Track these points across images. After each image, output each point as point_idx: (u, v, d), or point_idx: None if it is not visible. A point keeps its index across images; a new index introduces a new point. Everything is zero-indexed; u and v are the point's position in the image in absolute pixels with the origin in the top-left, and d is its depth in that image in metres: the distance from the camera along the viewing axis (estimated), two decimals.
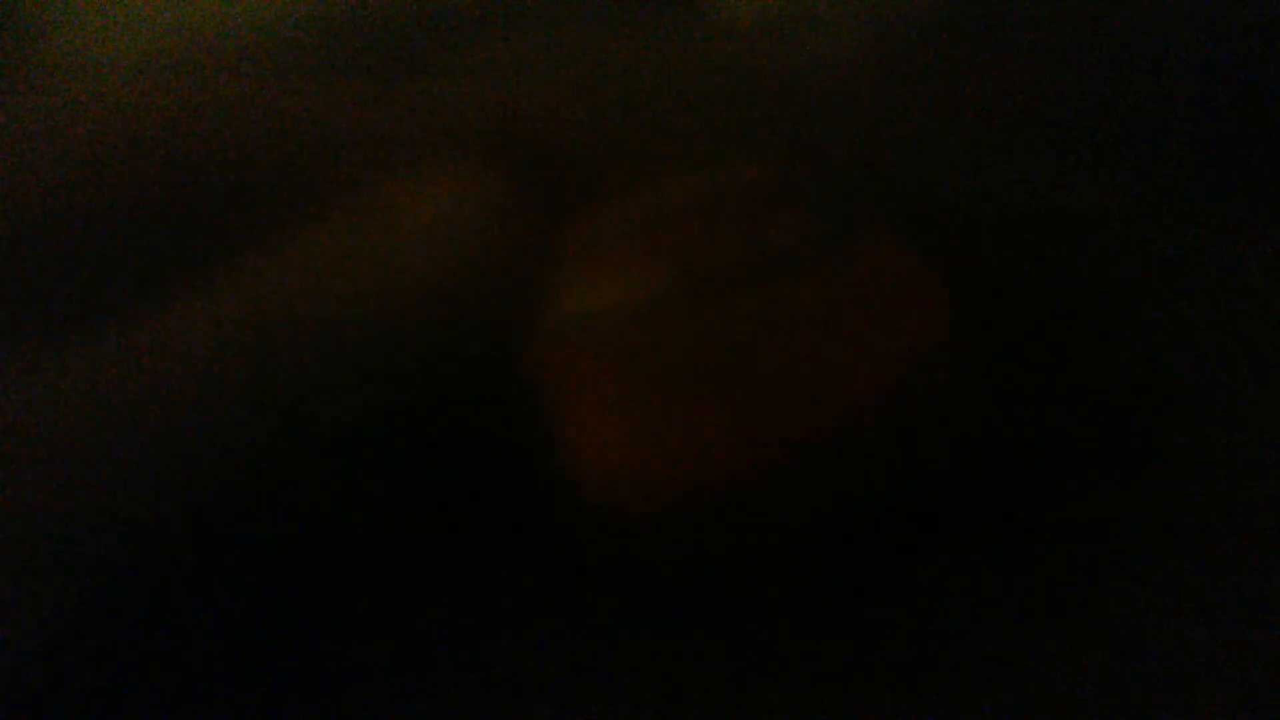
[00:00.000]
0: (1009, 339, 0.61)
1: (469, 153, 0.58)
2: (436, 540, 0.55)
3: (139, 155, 0.55)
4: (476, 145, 0.58)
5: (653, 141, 0.62)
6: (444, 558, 0.55)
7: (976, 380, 0.66)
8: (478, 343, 0.58)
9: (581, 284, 0.78)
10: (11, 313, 0.54)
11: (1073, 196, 0.58)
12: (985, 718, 0.54)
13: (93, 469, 0.52)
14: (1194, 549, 0.56)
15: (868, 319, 0.80)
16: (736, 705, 0.56)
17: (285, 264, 0.54)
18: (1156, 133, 0.59)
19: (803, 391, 0.79)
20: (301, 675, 0.53)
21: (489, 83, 0.59)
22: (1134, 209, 0.58)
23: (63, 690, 0.51)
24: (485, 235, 0.59)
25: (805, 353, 0.79)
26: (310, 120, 0.56)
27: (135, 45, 0.60)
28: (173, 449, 0.52)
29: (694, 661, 0.57)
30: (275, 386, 0.54)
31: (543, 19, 0.61)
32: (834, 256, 0.79)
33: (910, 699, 0.55)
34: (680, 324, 0.77)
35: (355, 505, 0.55)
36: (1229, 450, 0.57)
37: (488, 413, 0.58)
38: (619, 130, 0.61)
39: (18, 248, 0.54)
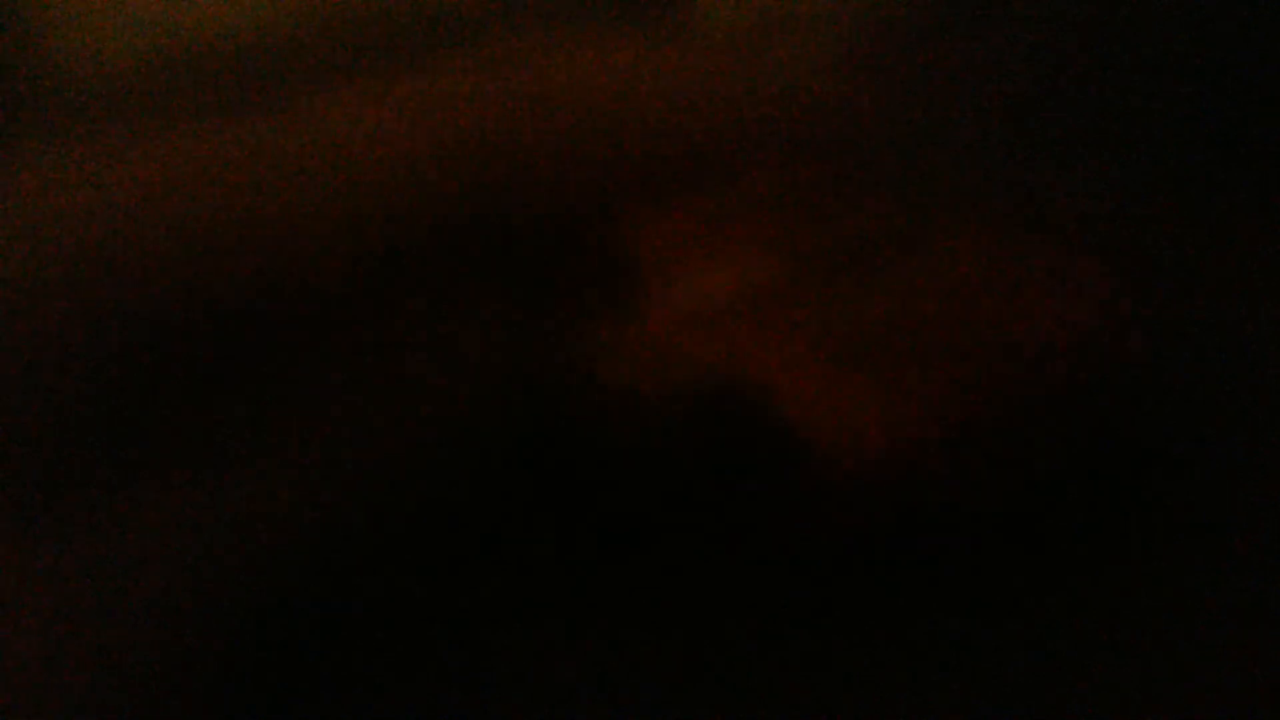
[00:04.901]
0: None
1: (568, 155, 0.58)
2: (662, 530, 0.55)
3: None
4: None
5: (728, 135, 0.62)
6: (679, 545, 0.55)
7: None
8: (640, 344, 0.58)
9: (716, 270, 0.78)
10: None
11: (1073, 196, 0.59)
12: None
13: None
14: (1193, 549, 0.56)
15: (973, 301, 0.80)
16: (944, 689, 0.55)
17: None
18: (1156, 132, 0.59)
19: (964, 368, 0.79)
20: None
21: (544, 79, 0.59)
22: (1134, 209, 0.58)
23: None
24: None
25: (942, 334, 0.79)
26: (338, 123, 0.56)
27: None
28: None
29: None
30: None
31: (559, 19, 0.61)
32: (939, 237, 0.79)
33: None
34: (825, 302, 0.77)
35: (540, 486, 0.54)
36: (1230, 451, 0.57)
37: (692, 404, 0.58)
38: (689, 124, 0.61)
39: None
